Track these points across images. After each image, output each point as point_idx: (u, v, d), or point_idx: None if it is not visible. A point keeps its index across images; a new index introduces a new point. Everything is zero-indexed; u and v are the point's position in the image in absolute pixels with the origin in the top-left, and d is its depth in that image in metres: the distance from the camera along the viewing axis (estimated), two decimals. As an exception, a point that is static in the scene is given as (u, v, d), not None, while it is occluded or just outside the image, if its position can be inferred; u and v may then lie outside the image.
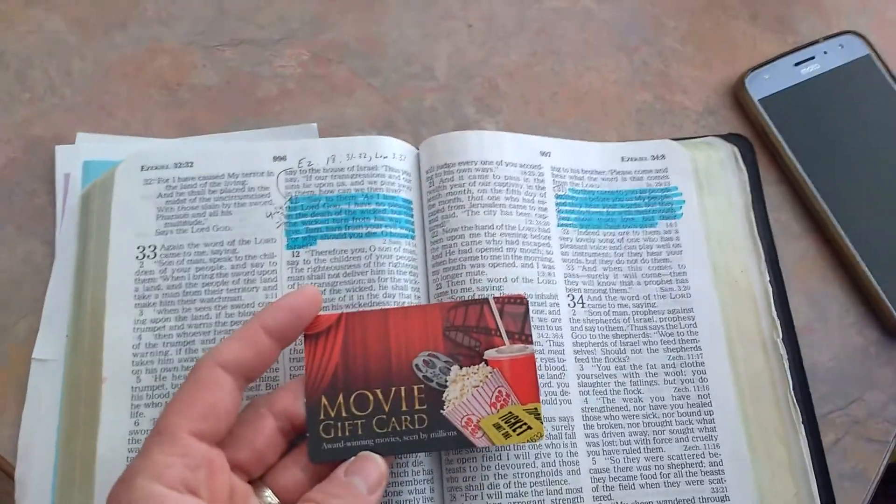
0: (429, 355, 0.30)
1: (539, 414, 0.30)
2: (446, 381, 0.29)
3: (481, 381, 0.29)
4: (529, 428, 0.29)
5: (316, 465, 0.29)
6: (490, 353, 0.30)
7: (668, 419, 0.33)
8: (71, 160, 0.37)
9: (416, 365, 0.29)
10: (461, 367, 0.30)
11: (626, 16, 0.43)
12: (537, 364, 0.33)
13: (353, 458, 0.29)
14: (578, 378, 0.33)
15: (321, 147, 0.36)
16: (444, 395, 0.29)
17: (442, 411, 0.29)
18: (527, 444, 0.32)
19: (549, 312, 0.34)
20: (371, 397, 0.29)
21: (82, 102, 0.39)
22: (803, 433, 0.33)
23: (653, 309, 0.35)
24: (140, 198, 0.35)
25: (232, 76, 0.40)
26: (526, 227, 0.35)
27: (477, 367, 0.30)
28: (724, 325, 0.35)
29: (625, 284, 0.35)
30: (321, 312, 0.30)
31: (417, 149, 0.37)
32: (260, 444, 0.28)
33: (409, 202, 0.35)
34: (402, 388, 0.29)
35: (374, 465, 0.28)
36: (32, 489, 0.32)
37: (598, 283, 0.35)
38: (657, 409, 0.33)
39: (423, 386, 0.29)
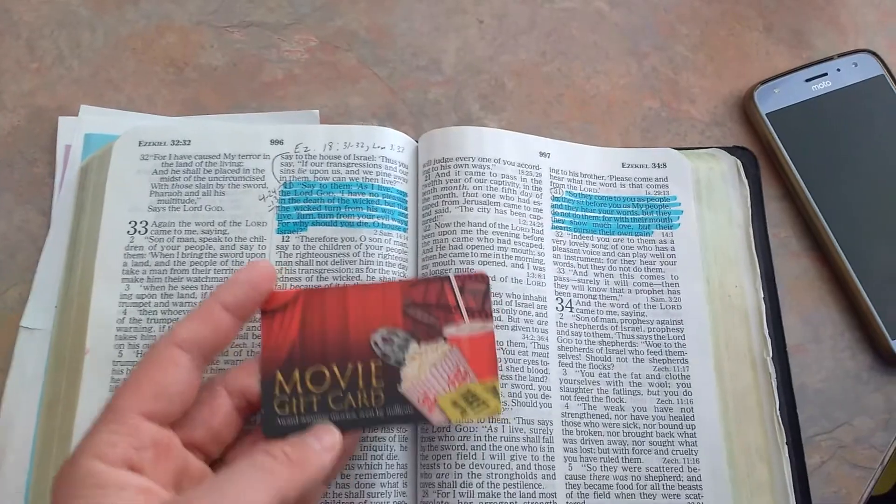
0: (387, 332, 0.29)
1: (497, 391, 0.29)
2: (404, 359, 0.29)
3: (440, 358, 0.29)
4: (487, 406, 0.29)
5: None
6: (449, 330, 0.29)
7: (648, 430, 0.33)
8: (73, 132, 0.38)
9: (375, 342, 0.29)
10: (420, 344, 0.29)
11: (638, 20, 0.42)
12: (521, 364, 0.32)
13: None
14: (561, 382, 0.33)
15: (319, 133, 0.36)
16: (402, 371, 0.29)
17: (399, 388, 0.29)
18: (503, 446, 0.31)
19: (537, 314, 0.33)
20: (327, 373, 0.29)
21: (89, 75, 0.40)
22: (787, 454, 0.33)
23: (642, 318, 0.34)
24: (136, 173, 0.35)
25: (239, 58, 0.40)
26: (519, 227, 0.34)
27: (436, 343, 0.29)
28: (714, 340, 0.34)
29: (615, 291, 0.35)
30: (279, 289, 0.30)
31: (417, 141, 0.37)
32: (216, 423, 0.28)
33: (404, 194, 0.35)
34: (360, 365, 0.29)
35: (329, 432, 0.28)
36: (11, 457, 0.32)
37: (589, 289, 0.35)
38: (638, 419, 0.33)
39: (380, 363, 0.29)
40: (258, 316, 0.30)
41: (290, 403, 0.28)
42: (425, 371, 0.29)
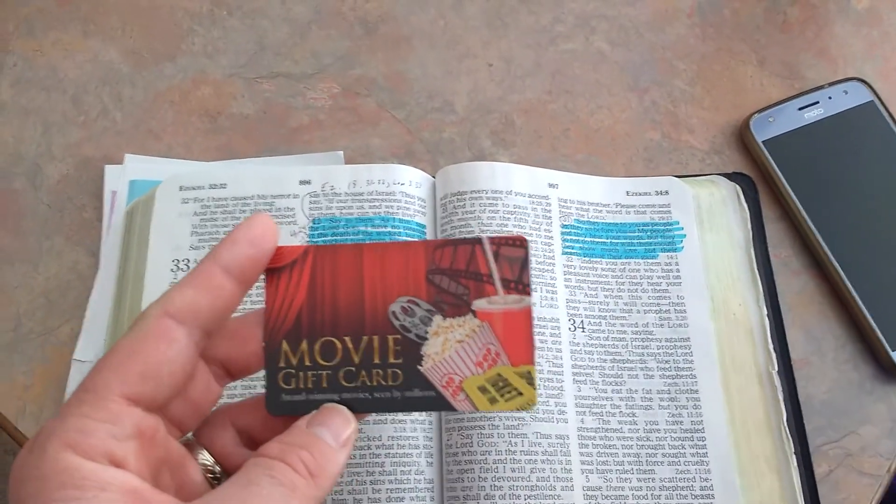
0: (408, 301, 0.25)
1: (532, 378, 0.25)
2: (426, 333, 0.25)
3: (467, 335, 0.25)
4: (520, 394, 0.25)
5: (256, 423, 0.26)
6: (479, 304, 0.25)
7: (661, 443, 0.35)
8: (118, 179, 0.41)
9: (393, 312, 0.25)
10: (444, 318, 0.25)
11: (637, 58, 0.45)
12: (539, 375, 0.34)
13: (315, 411, 0.25)
14: (576, 399, 0.35)
15: (344, 173, 0.39)
16: (424, 348, 0.25)
17: (419, 367, 0.25)
18: (523, 459, 0.33)
19: (551, 335, 0.36)
20: (339, 346, 0.25)
21: (131, 126, 0.43)
22: (795, 463, 0.34)
23: (651, 336, 0.36)
24: (177, 215, 0.38)
25: (268, 106, 0.44)
26: (531, 254, 0.37)
27: (463, 318, 0.25)
28: (720, 356, 0.36)
29: (625, 312, 0.37)
30: (288, 244, 0.27)
31: (434, 177, 0.40)
32: (196, 394, 0.24)
33: (423, 226, 0.38)
34: (376, 338, 0.25)
35: (342, 418, 0.24)
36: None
37: (599, 310, 0.37)
38: (651, 432, 0.35)
39: (399, 337, 0.25)
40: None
41: (297, 377, 0.25)
42: (450, 349, 0.25)
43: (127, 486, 0.20)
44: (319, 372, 0.25)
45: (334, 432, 0.24)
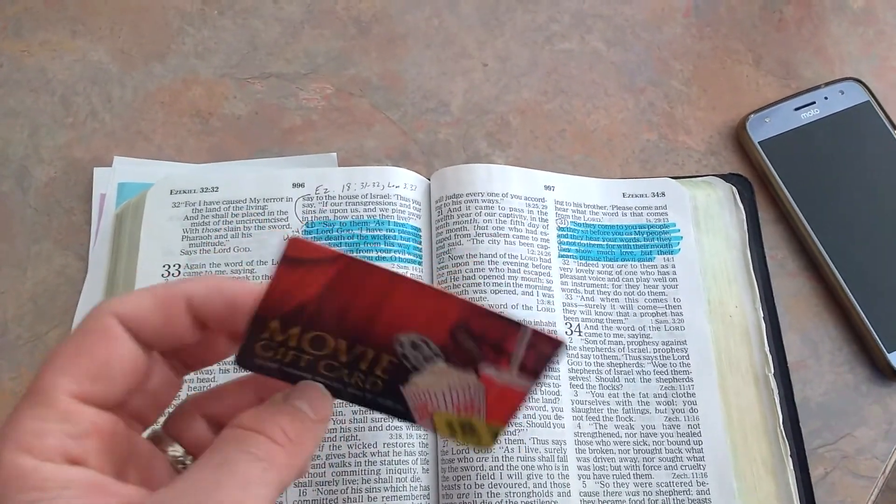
0: (420, 338, 0.24)
1: (498, 435, 0.26)
2: (424, 368, 0.25)
3: (461, 385, 0.25)
4: (479, 439, 0.26)
5: (226, 412, 0.25)
6: (488, 370, 0.25)
7: (657, 447, 0.34)
8: (107, 181, 0.40)
9: (400, 341, 0.24)
10: (448, 365, 0.25)
11: (633, 58, 0.45)
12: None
13: (294, 387, 0.24)
14: (572, 403, 0.35)
15: (337, 175, 0.38)
16: (413, 376, 0.25)
17: (402, 387, 0.25)
18: (520, 465, 0.33)
19: (547, 339, 0.35)
20: (331, 342, 0.24)
21: (120, 128, 0.42)
22: (791, 466, 0.34)
23: (647, 340, 0.36)
24: (168, 219, 0.37)
25: (260, 107, 0.43)
26: (528, 257, 0.37)
27: (465, 373, 0.25)
28: (717, 358, 0.36)
29: (621, 315, 0.37)
30: (319, 242, 0.24)
31: (429, 179, 0.39)
32: (154, 386, 0.23)
33: (418, 229, 0.38)
34: (370, 351, 0.24)
35: (319, 394, 0.23)
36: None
37: (596, 313, 0.37)
38: (648, 436, 0.35)
39: (395, 360, 0.24)
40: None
41: (277, 350, 0.24)
42: (438, 388, 0.25)
43: (89, 481, 0.20)
44: (301, 354, 0.24)
45: (313, 406, 0.23)
